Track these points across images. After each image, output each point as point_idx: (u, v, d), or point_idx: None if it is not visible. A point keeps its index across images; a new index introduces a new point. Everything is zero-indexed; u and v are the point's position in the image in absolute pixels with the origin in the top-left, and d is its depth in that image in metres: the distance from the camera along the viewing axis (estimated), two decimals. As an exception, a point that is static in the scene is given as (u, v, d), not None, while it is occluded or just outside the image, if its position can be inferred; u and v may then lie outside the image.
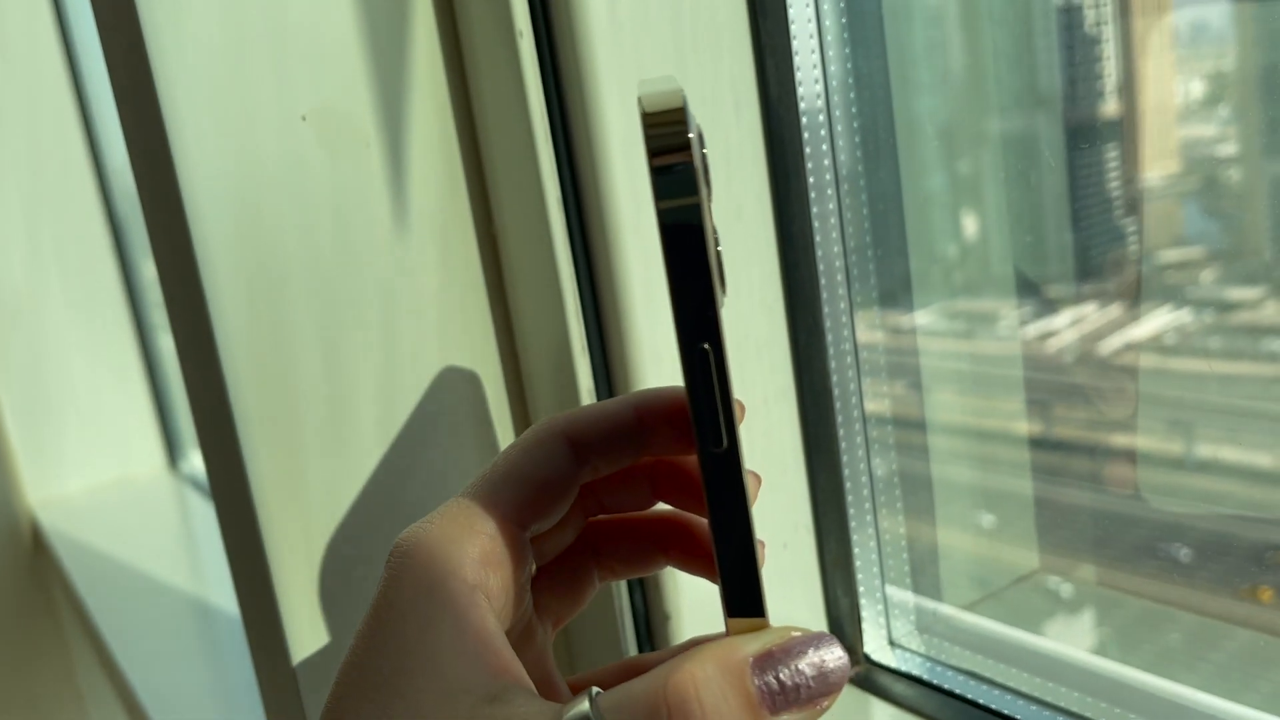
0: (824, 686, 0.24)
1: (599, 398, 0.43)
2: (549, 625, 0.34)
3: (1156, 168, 0.43)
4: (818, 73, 0.43)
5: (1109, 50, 0.43)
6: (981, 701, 0.44)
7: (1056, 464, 0.51)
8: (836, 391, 0.45)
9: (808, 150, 0.43)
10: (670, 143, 0.22)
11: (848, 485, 0.46)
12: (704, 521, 0.33)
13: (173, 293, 0.41)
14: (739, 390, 0.43)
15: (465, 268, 0.44)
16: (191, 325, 0.40)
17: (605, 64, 0.39)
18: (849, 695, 0.47)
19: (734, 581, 0.25)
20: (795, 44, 0.42)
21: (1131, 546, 0.49)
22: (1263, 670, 0.44)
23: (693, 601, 0.44)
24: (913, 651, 0.48)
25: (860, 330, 0.46)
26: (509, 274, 0.44)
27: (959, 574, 0.52)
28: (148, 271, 1.28)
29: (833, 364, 0.45)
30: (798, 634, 0.25)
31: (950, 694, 0.45)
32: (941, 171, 0.51)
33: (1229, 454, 0.45)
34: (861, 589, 0.47)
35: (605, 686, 0.29)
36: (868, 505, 0.47)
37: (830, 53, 0.44)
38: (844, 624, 0.48)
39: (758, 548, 0.25)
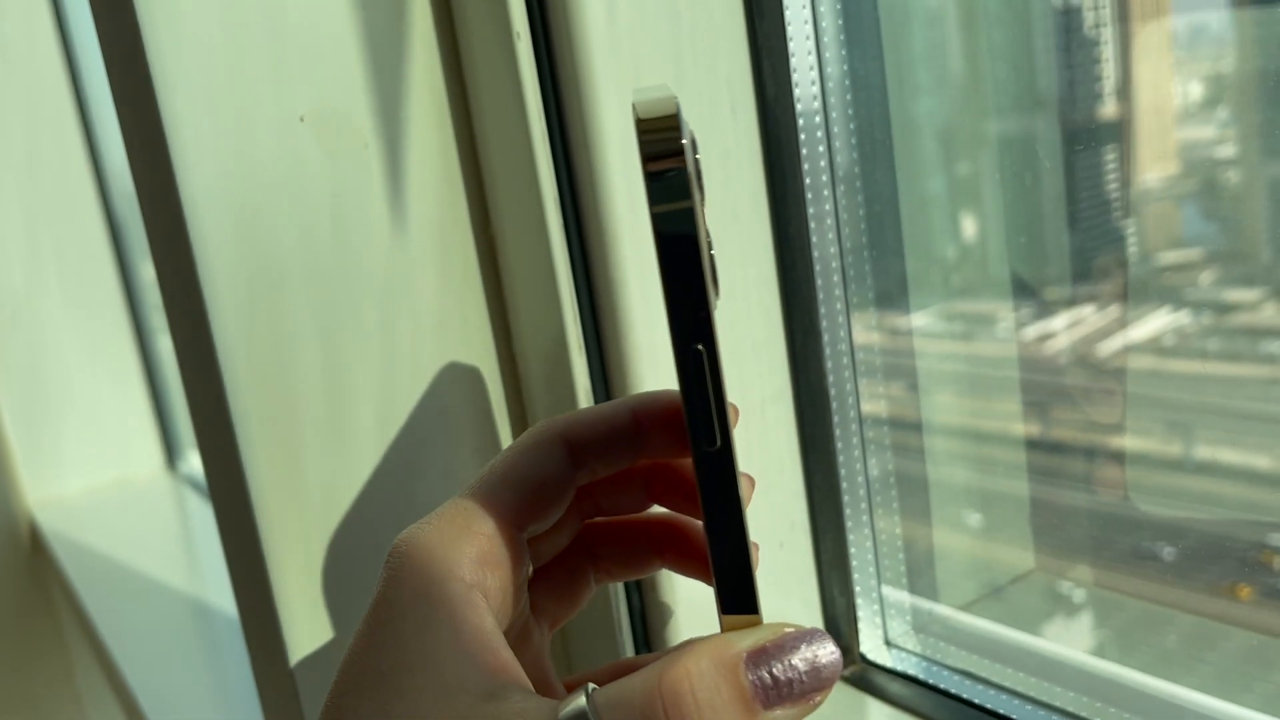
0: (817, 681, 0.24)
1: (596, 398, 0.43)
2: (545, 626, 0.35)
3: (1155, 170, 0.43)
4: (814, 74, 0.43)
5: (1107, 52, 0.43)
6: (977, 701, 0.44)
7: (1050, 465, 0.51)
8: (833, 392, 0.45)
9: (804, 151, 0.43)
10: (664, 149, 0.22)
11: (844, 485, 0.46)
12: (698, 524, 0.33)
13: (171, 293, 0.41)
14: (735, 390, 0.44)
15: (463, 268, 0.44)
16: (190, 326, 0.40)
17: (602, 65, 0.39)
18: (845, 695, 0.47)
19: (728, 579, 0.25)
20: (792, 45, 0.42)
21: (1120, 546, 0.49)
22: (1234, 662, 0.45)
23: (689, 603, 0.44)
24: (909, 651, 0.48)
25: (856, 331, 0.46)
26: (506, 275, 0.44)
27: (955, 574, 0.52)
28: (146, 273, 1.28)
29: (829, 364, 0.45)
30: (791, 630, 0.25)
31: (946, 694, 0.45)
32: (939, 173, 0.51)
33: (1222, 455, 0.45)
34: (858, 589, 0.47)
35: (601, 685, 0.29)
36: (864, 505, 0.47)
37: (827, 54, 0.44)
38: (840, 624, 0.48)
39: (751, 547, 0.25)
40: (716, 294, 0.25)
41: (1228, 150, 0.42)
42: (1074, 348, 0.48)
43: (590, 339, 0.42)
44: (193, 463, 1.31)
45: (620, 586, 0.44)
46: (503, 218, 0.44)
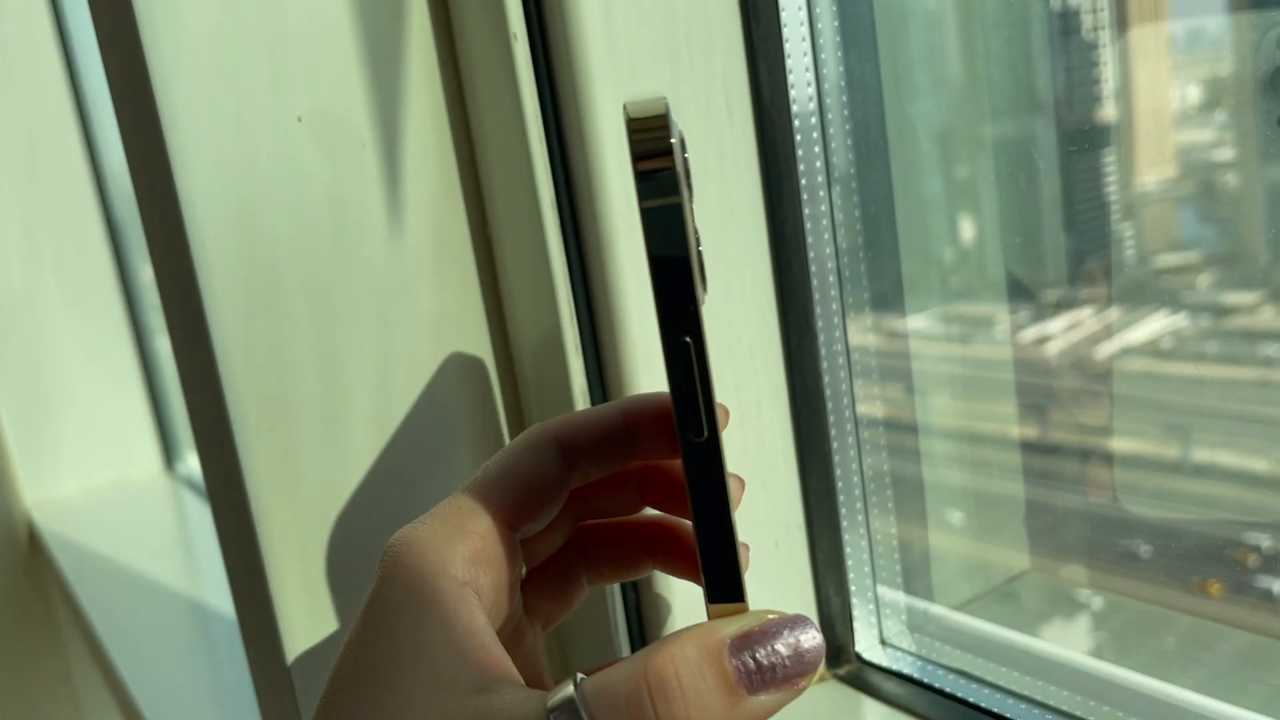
0: (799, 666, 0.25)
1: (592, 397, 0.43)
2: (539, 626, 0.35)
3: (1152, 172, 0.43)
4: (810, 75, 0.43)
5: (1105, 55, 0.43)
6: (972, 700, 0.44)
7: (1041, 467, 0.52)
8: (828, 392, 0.46)
9: (800, 152, 0.43)
10: (653, 147, 0.23)
11: (839, 485, 0.47)
12: (689, 525, 0.34)
13: (169, 293, 0.41)
14: (732, 389, 0.44)
15: (460, 269, 0.44)
16: (188, 326, 0.40)
17: (599, 66, 0.39)
18: (841, 693, 0.47)
19: (714, 568, 0.26)
20: (788, 46, 0.42)
21: (1105, 546, 0.50)
22: (1201, 653, 0.47)
23: (685, 602, 0.44)
24: (904, 650, 0.48)
25: (852, 332, 0.47)
26: (504, 275, 0.45)
27: (950, 574, 0.53)
28: (145, 274, 1.28)
29: (824, 365, 0.45)
30: (774, 616, 0.25)
31: (941, 692, 0.45)
32: (935, 175, 0.51)
33: (1210, 457, 0.45)
34: (853, 588, 0.48)
35: None
36: (859, 505, 0.47)
37: (823, 55, 0.44)
38: (836, 623, 0.48)
39: (737, 536, 0.26)
40: (704, 289, 0.26)
41: (1225, 153, 0.42)
42: (1070, 350, 0.48)
43: (587, 339, 0.42)
44: (191, 464, 1.31)
45: (616, 586, 0.44)
46: (500, 218, 0.44)
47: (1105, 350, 0.47)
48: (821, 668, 0.48)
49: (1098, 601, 0.52)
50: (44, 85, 1.23)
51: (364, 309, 0.41)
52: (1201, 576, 0.45)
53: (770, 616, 0.25)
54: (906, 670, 0.47)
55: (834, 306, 0.45)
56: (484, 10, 0.41)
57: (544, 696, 0.25)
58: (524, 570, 0.33)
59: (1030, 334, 0.50)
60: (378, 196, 0.41)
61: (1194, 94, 0.42)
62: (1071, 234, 0.46)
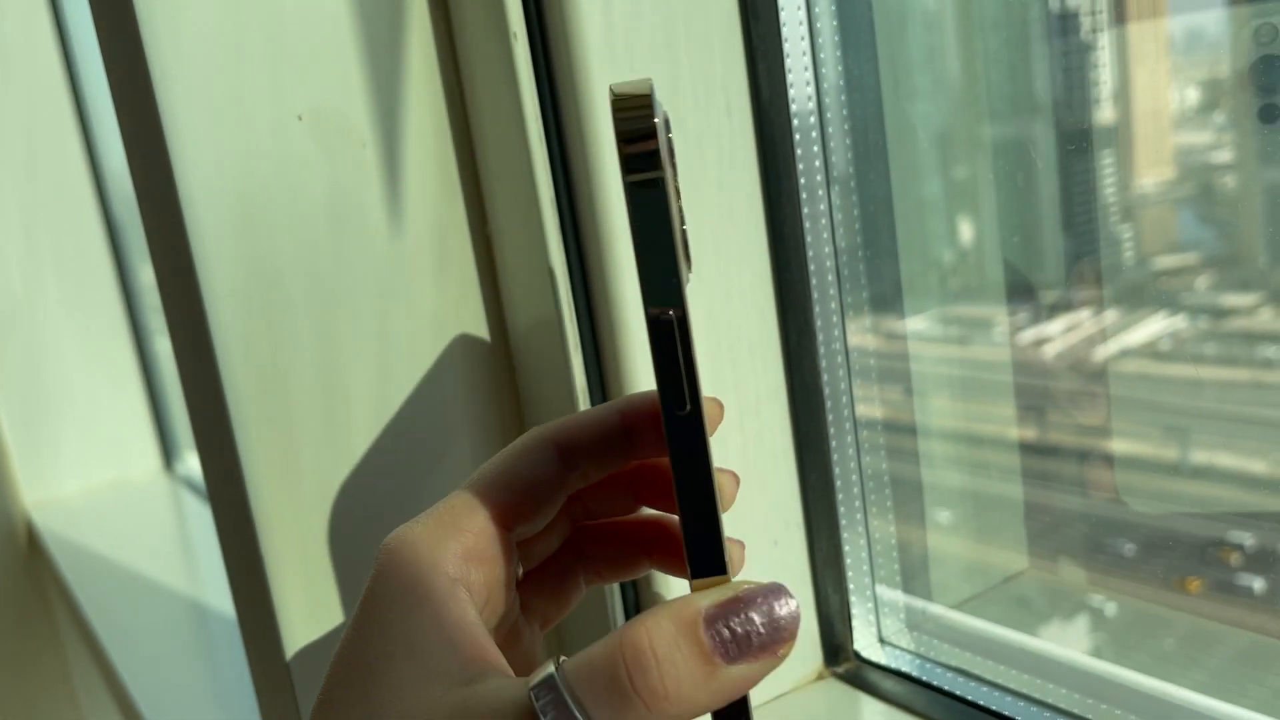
0: (775, 634, 0.25)
1: (592, 395, 0.43)
2: (536, 626, 0.35)
3: (1151, 174, 0.43)
4: (809, 75, 0.43)
5: (1104, 57, 0.43)
6: (970, 698, 0.44)
7: (1037, 467, 0.52)
8: (827, 391, 0.46)
9: (799, 152, 0.43)
10: (637, 124, 0.24)
11: (838, 484, 0.47)
12: None
13: (170, 293, 0.41)
14: (731, 387, 0.44)
15: (460, 268, 0.44)
16: (188, 326, 0.40)
17: (599, 65, 0.39)
18: (840, 691, 0.48)
19: (696, 542, 0.26)
20: (787, 47, 0.42)
21: (1092, 545, 0.51)
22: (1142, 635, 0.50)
23: (684, 599, 0.44)
24: (902, 649, 0.48)
25: (851, 332, 0.47)
26: (503, 274, 0.45)
27: (948, 574, 0.53)
28: (144, 275, 1.28)
29: (823, 364, 0.45)
30: (750, 586, 0.25)
31: (939, 690, 0.45)
32: (934, 175, 0.51)
33: (1202, 458, 0.45)
34: (851, 587, 0.48)
35: None
36: (858, 504, 0.48)
37: (822, 56, 0.44)
38: (834, 621, 0.48)
39: (720, 512, 0.26)
40: (689, 267, 0.26)
41: (1224, 155, 0.42)
42: (1068, 352, 0.48)
43: (586, 337, 0.43)
44: (190, 464, 1.31)
45: (615, 586, 0.44)
46: (500, 217, 0.44)
47: (1103, 352, 0.47)
48: (820, 665, 0.48)
49: (1096, 601, 0.52)
50: (44, 85, 1.23)
51: (364, 307, 0.41)
52: (1183, 574, 0.47)
53: (746, 586, 0.26)
54: (905, 668, 0.47)
55: (833, 306, 0.46)
56: (484, 9, 0.41)
57: (527, 680, 0.25)
58: (521, 570, 0.33)
59: (1029, 335, 0.50)
60: (377, 195, 0.41)
61: (1192, 95, 0.42)
62: (1070, 235, 0.46)
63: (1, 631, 1.26)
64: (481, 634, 0.28)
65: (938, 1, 0.49)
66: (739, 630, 0.25)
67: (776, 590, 0.25)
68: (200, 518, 1.16)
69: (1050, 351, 0.49)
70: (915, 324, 0.52)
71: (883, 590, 0.49)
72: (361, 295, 0.41)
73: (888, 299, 0.50)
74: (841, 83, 0.45)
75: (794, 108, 0.43)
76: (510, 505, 0.30)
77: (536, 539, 0.33)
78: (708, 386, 0.38)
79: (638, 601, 0.45)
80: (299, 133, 0.39)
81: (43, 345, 1.25)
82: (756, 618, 0.25)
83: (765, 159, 0.44)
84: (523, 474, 0.31)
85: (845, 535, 0.47)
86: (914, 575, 0.51)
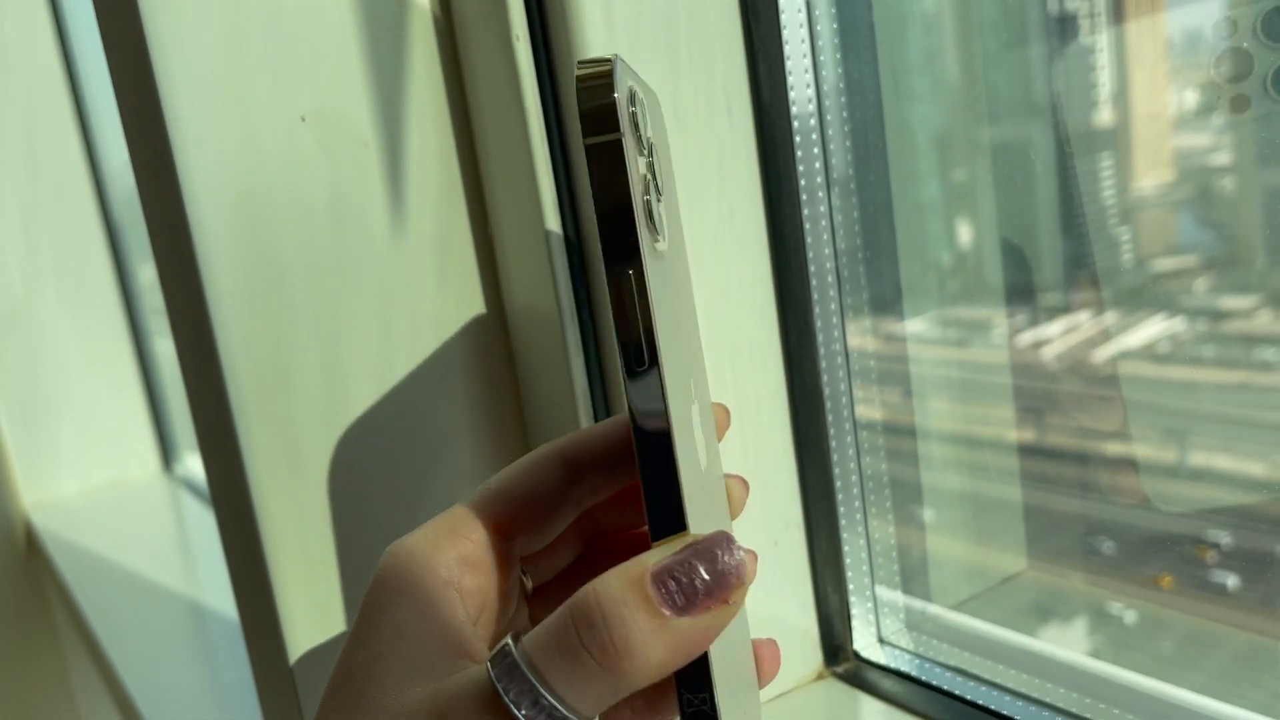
0: (720, 581, 0.25)
1: (593, 397, 0.43)
2: None
3: (1150, 176, 0.44)
4: (809, 77, 0.44)
5: (1103, 59, 0.43)
6: (969, 697, 0.44)
7: (1033, 469, 0.52)
8: (827, 392, 0.46)
9: (799, 154, 0.44)
10: (596, 92, 0.25)
11: (838, 485, 0.47)
12: None
13: (173, 294, 0.41)
14: (731, 387, 0.44)
15: (461, 268, 0.44)
16: (191, 326, 0.40)
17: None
18: (839, 691, 0.48)
19: (655, 502, 0.26)
20: (787, 49, 0.43)
21: (1089, 546, 0.51)
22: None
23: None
24: (902, 649, 0.48)
25: (851, 334, 0.47)
26: (505, 275, 0.45)
27: (947, 574, 0.53)
28: (143, 275, 1.28)
29: (823, 365, 0.46)
30: (695, 538, 0.26)
31: (938, 690, 0.45)
32: (933, 178, 0.51)
33: (1199, 458, 0.46)
34: (851, 587, 0.48)
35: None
36: (857, 505, 0.48)
37: (822, 58, 0.44)
38: (834, 621, 0.48)
39: (681, 473, 0.26)
40: (660, 238, 0.27)
41: (1222, 157, 0.42)
42: (1067, 354, 0.48)
43: (588, 339, 0.43)
44: (189, 465, 1.31)
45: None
46: (501, 218, 0.44)
47: (1102, 354, 0.47)
48: (820, 665, 0.48)
49: (1103, 603, 0.52)
50: (43, 86, 1.23)
51: (366, 307, 0.42)
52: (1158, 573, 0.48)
53: (689, 538, 0.26)
54: (904, 668, 0.47)
55: (833, 308, 0.46)
56: (486, 11, 0.41)
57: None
58: (530, 584, 0.34)
59: (1027, 338, 0.50)
60: (380, 196, 0.42)
61: (1190, 97, 0.42)
62: (1069, 237, 0.46)
63: (0, 632, 1.26)
64: (467, 632, 0.28)
65: (937, 4, 0.49)
66: (684, 580, 0.25)
67: (720, 539, 0.25)
68: (199, 518, 1.16)
69: (1049, 354, 0.49)
70: (915, 326, 0.52)
71: (882, 590, 0.49)
72: (364, 295, 0.41)
73: (887, 301, 0.50)
74: (841, 85, 0.46)
75: (794, 110, 0.43)
76: (510, 515, 0.31)
77: (547, 553, 0.34)
78: (709, 388, 0.39)
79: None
80: (302, 134, 0.39)
81: (42, 346, 1.25)
82: (701, 567, 0.25)
83: (765, 161, 0.44)
84: (524, 485, 0.31)
85: (845, 536, 0.47)
86: (913, 576, 0.51)
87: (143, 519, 1.21)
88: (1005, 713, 0.43)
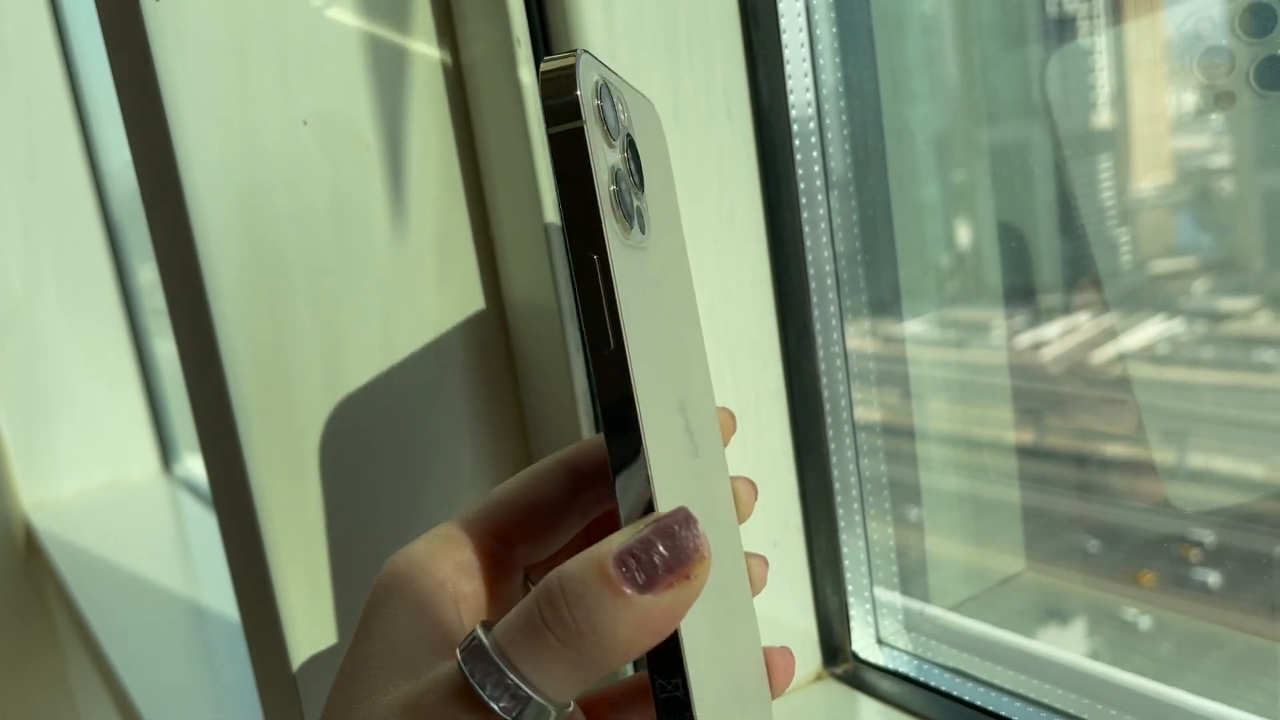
0: (679, 556, 0.25)
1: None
2: None
3: (1149, 178, 0.44)
4: (809, 81, 0.44)
5: (1102, 61, 0.43)
6: (967, 698, 0.44)
7: (1032, 470, 0.52)
8: (826, 394, 0.46)
9: (799, 157, 0.44)
10: (558, 84, 0.25)
11: (837, 486, 0.47)
12: None
13: (175, 296, 0.41)
14: (731, 388, 0.44)
15: (462, 270, 0.44)
16: (193, 327, 0.40)
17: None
18: (837, 692, 0.48)
19: (623, 486, 0.26)
20: (787, 52, 0.43)
21: (1077, 544, 0.52)
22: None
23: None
24: (900, 650, 0.49)
25: (850, 336, 0.47)
26: (505, 278, 0.45)
27: (945, 575, 0.53)
28: (143, 276, 1.28)
29: (822, 366, 0.46)
30: (655, 516, 0.26)
31: (936, 691, 0.45)
32: (932, 180, 0.51)
33: (1197, 460, 0.46)
34: (850, 588, 0.48)
35: (616, 704, 0.31)
36: (856, 507, 0.48)
37: (822, 61, 0.44)
38: (833, 622, 0.49)
39: (648, 453, 0.26)
40: (631, 228, 0.27)
41: (1221, 159, 0.42)
42: (1065, 356, 0.49)
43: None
44: (188, 465, 1.31)
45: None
46: (502, 221, 0.44)
47: (1101, 355, 0.47)
48: (818, 666, 0.49)
49: (1101, 604, 0.53)
50: (43, 86, 1.23)
51: (368, 308, 0.42)
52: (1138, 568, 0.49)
53: (650, 518, 0.26)
54: (903, 669, 0.47)
55: (832, 310, 0.46)
56: (487, 15, 0.41)
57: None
58: (529, 586, 0.34)
59: (1026, 339, 0.50)
60: (381, 198, 0.42)
61: (1186, 98, 0.42)
62: (1068, 239, 0.46)
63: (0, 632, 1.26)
64: (458, 634, 0.28)
65: (935, 6, 0.49)
66: (644, 558, 0.25)
67: (679, 514, 0.25)
68: (198, 519, 1.16)
69: (1048, 355, 0.49)
70: (913, 327, 0.52)
71: (881, 592, 0.50)
72: (365, 295, 0.42)
73: (886, 302, 0.50)
74: (840, 88, 0.46)
75: (794, 113, 0.43)
76: (511, 523, 0.31)
77: (553, 562, 0.34)
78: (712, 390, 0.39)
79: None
80: (304, 136, 0.40)
81: (42, 346, 1.25)
82: (659, 543, 0.25)
83: (765, 163, 0.44)
84: (527, 493, 0.31)
85: (844, 537, 0.48)
86: (912, 577, 0.51)
87: (142, 520, 1.21)
88: (1003, 713, 0.43)
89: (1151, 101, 0.42)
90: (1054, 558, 0.54)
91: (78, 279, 1.27)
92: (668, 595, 0.25)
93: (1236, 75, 0.36)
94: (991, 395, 0.53)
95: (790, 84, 0.43)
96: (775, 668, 0.32)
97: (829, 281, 0.46)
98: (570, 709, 0.26)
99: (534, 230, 0.42)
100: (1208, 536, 0.46)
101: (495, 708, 0.24)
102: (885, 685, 0.47)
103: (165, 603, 0.95)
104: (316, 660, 0.41)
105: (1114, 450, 0.49)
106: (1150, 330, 0.45)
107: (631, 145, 0.28)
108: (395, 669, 0.27)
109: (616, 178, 0.26)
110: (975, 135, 0.49)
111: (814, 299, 0.45)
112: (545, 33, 0.40)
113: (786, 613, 0.48)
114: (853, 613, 0.48)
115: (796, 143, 0.44)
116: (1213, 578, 0.46)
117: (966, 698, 0.44)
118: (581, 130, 0.25)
